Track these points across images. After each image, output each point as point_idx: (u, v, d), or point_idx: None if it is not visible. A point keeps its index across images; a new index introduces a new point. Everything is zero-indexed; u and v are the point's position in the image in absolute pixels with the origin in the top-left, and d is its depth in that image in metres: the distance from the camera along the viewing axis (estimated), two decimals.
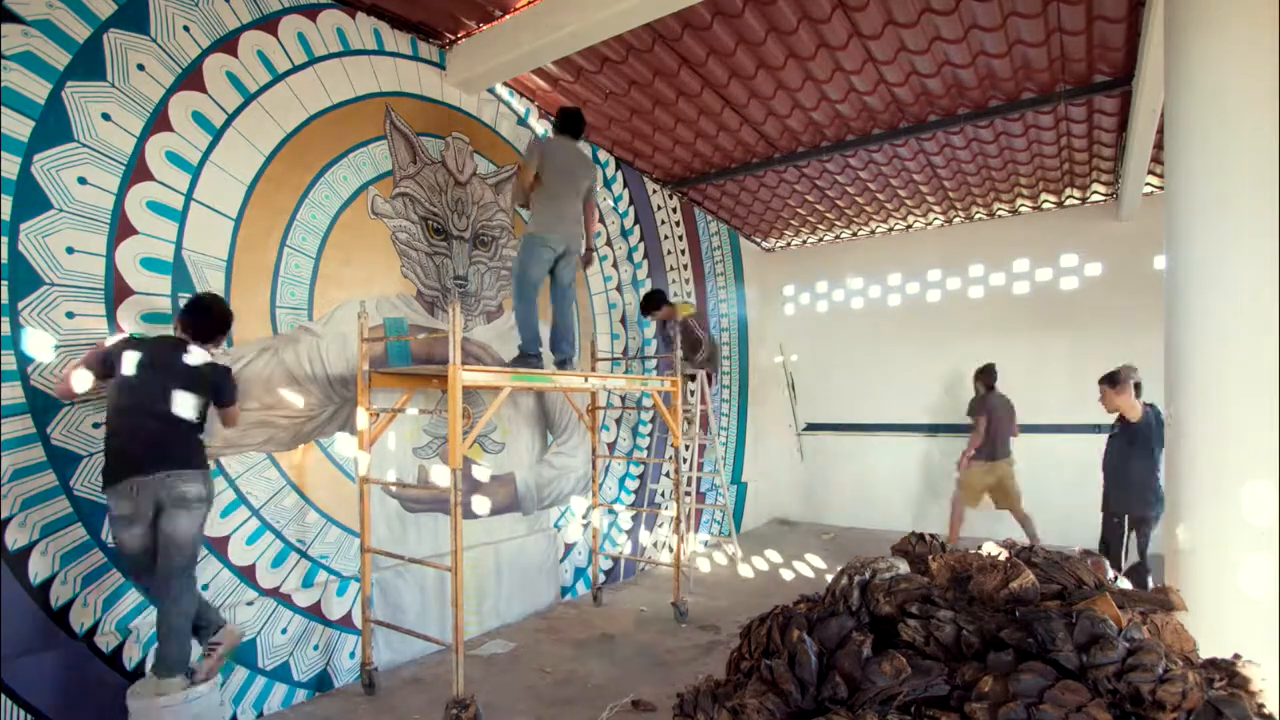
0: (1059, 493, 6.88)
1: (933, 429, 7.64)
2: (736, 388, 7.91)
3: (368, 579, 3.46)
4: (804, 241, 8.45)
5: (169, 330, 2.86)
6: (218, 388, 2.74)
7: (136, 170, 2.83)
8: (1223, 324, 2.62)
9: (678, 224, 6.84)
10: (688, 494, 6.04)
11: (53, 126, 2.59)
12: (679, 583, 4.55)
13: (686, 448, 5.75)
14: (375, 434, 3.52)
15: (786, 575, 5.79)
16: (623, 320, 5.90)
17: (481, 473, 4.40)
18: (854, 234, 8.04)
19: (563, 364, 4.09)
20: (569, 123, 4.10)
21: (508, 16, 3.93)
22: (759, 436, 8.41)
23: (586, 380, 4.12)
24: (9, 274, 2.48)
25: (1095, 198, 6.73)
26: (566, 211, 3.94)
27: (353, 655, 3.55)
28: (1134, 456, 4.15)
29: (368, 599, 3.45)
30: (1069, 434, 6.85)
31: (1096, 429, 6.69)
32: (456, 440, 2.96)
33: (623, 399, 5.79)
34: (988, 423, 5.81)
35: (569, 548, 5.11)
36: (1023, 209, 7.10)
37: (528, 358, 3.85)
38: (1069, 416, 6.86)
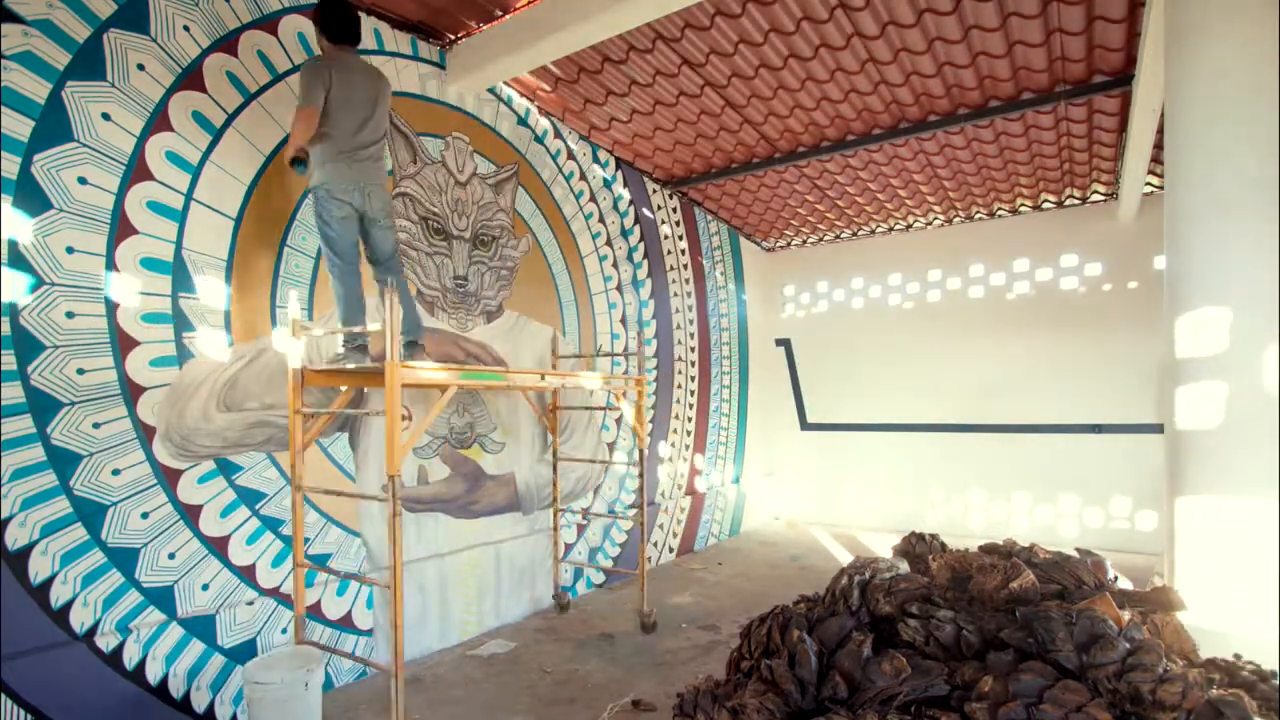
0: (1056, 492, 6.89)
1: (933, 429, 7.64)
2: (737, 388, 7.91)
3: (300, 598, 3.20)
4: (804, 241, 8.45)
5: (169, 329, 2.88)
6: None
7: (136, 170, 2.83)
8: (1223, 324, 2.62)
9: (678, 224, 6.84)
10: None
11: (53, 126, 2.59)
12: (645, 593, 4.31)
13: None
14: (309, 438, 3.21)
15: (787, 572, 5.79)
16: (623, 320, 5.90)
17: (495, 460, 4.41)
18: (854, 234, 8.04)
19: (410, 348, 3.30)
20: (340, 25, 3.04)
21: (508, 16, 3.93)
22: (759, 436, 8.42)
23: (544, 378, 3.78)
24: (9, 275, 2.47)
25: (1095, 198, 6.74)
26: (358, 149, 3.04)
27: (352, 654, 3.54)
28: None
29: (300, 619, 3.19)
30: (1068, 434, 6.86)
31: (1096, 429, 6.72)
32: (396, 444, 2.69)
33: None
34: None
35: (569, 547, 5.11)
36: (1023, 209, 7.10)
37: (350, 350, 3.15)
38: (1068, 416, 6.87)
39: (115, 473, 2.73)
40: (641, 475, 4.38)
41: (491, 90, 4.58)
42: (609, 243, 5.78)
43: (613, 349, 5.74)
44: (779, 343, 8.75)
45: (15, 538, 2.47)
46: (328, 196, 3.00)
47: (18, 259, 2.50)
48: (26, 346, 2.51)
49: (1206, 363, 2.66)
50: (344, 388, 3.42)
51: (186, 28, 3.00)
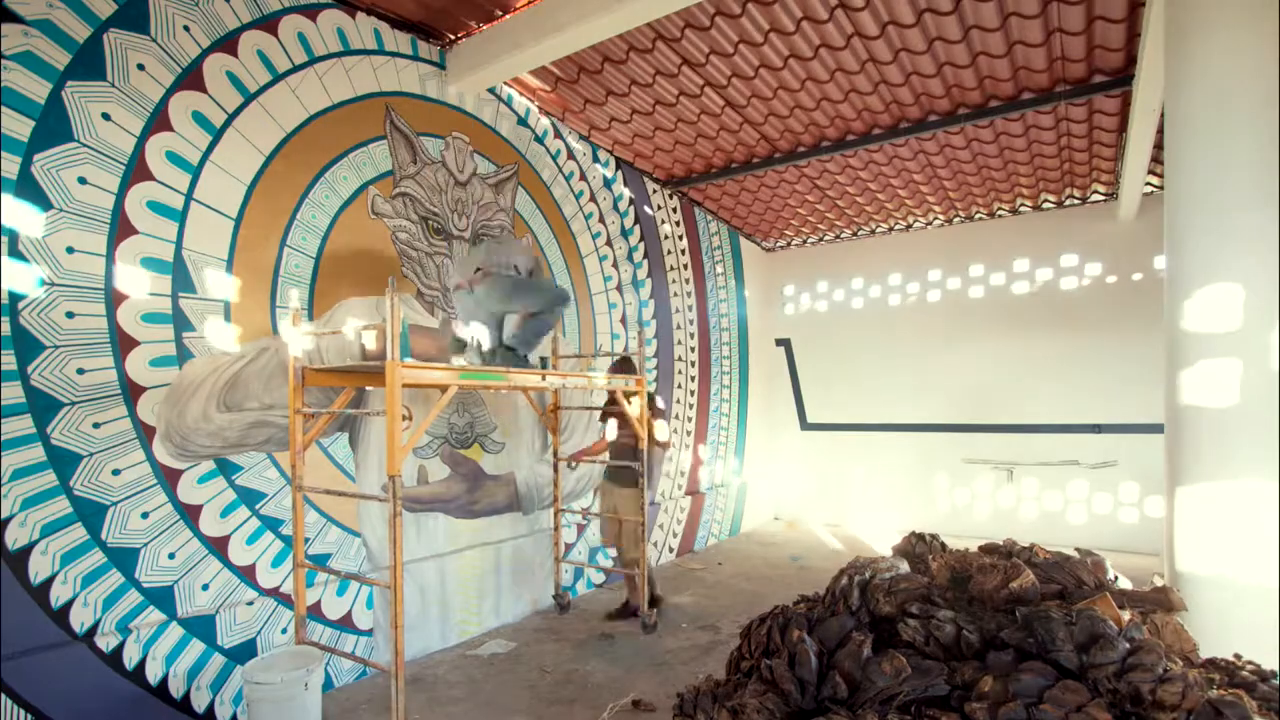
0: (1056, 490, 6.89)
1: (933, 429, 7.64)
2: (736, 388, 7.91)
3: (301, 598, 3.18)
4: (804, 241, 8.45)
5: (169, 329, 2.89)
6: None
7: (136, 170, 2.83)
8: (1223, 324, 2.62)
9: (678, 224, 6.84)
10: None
11: (53, 126, 2.59)
12: (644, 594, 4.30)
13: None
14: (309, 438, 3.20)
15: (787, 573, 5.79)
16: (623, 320, 5.90)
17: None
18: (854, 234, 8.04)
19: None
20: None
21: (508, 16, 3.93)
22: (759, 436, 8.42)
23: (545, 379, 3.75)
24: (8, 274, 2.47)
25: (1095, 198, 6.74)
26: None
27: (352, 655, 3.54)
28: None
29: (301, 619, 3.18)
30: (1067, 434, 6.86)
31: (1096, 429, 6.72)
32: (396, 444, 2.69)
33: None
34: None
35: (569, 547, 5.11)
36: (1023, 209, 7.10)
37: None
38: (1068, 416, 6.88)
39: (115, 473, 2.73)
40: (643, 475, 4.36)
41: (491, 90, 4.58)
42: (609, 243, 5.78)
43: (613, 349, 5.74)
44: (779, 343, 8.76)
45: (15, 538, 2.47)
46: None
47: (18, 258, 2.50)
48: (26, 346, 2.51)
49: (1210, 349, 2.66)
50: (344, 388, 3.41)
51: (186, 28, 3.00)
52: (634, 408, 4.35)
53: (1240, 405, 2.57)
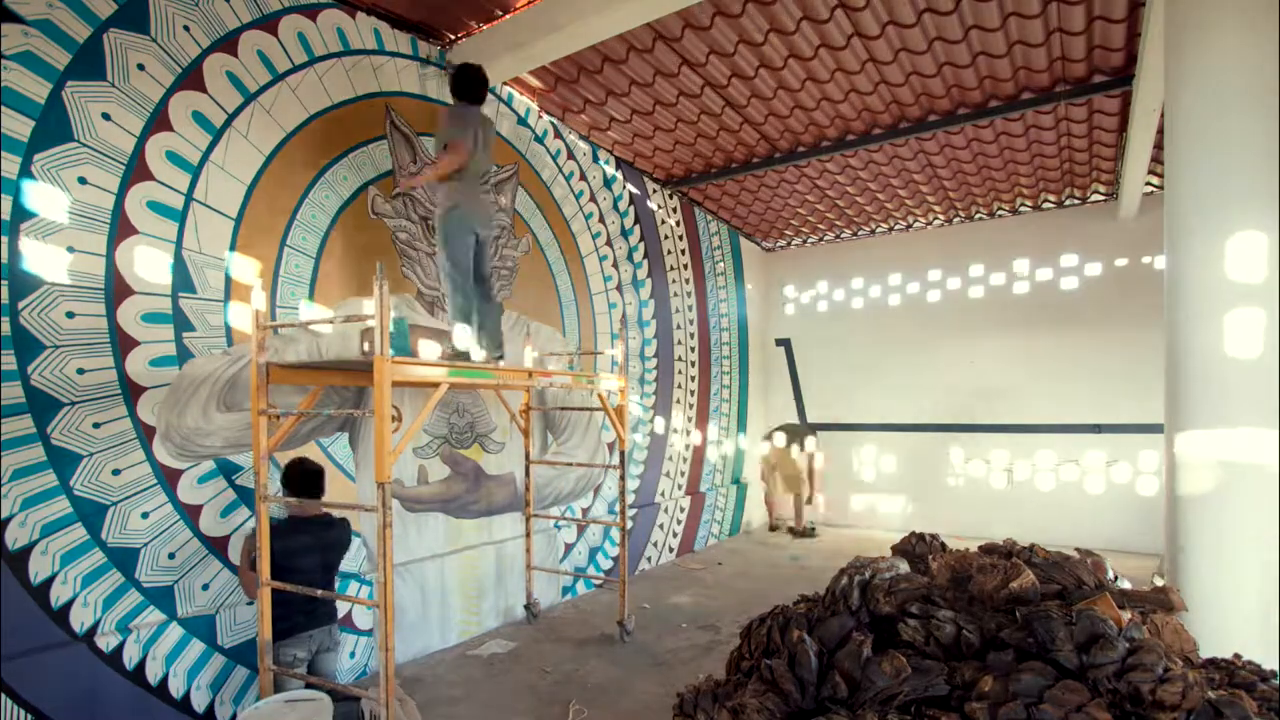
0: (1055, 489, 6.89)
1: (933, 428, 7.63)
2: (736, 387, 7.91)
3: (266, 620, 2.69)
4: (804, 241, 8.45)
5: (169, 329, 2.89)
6: None
7: (136, 170, 2.83)
8: (1223, 324, 2.62)
9: (678, 224, 6.84)
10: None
11: (53, 126, 2.59)
12: (624, 601, 4.17)
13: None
14: (274, 441, 2.77)
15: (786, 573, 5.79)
16: (623, 320, 5.90)
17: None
18: (854, 234, 8.04)
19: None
20: (473, 85, 3.48)
21: (508, 16, 3.93)
22: (759, 436, 8.41)
23: (531, 377, 3.69)
24: (9, 274, 2.48)
25: (1095, 198, 6.74)
26: (480, 188, 3.54)
27: (353, 655, 3.55)
28: None
29: (266, 643, 2.69)
30: (1066, 433, 6.86)
31: (1096, 429, 6.72)
32: (386, 448, 2.37)
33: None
34: None
35: (569, 547, 5.11)
36: (1023, 209, 7.10)
37: (457, 354, 3.32)
38: (1068, 416, 6.87)
39: (115, 473, 2.73)
40: (623, 477, 4.27)
41: (491, 90, 4.57)
42: (609, 243, 5.78)
43: (612, 348, 5.74)
44: (779, 343, 8.76)
45: (15, 538, 2.46)
46: (464, 223, 3.33)
47: (18, 259, 2.50)
48: (26, 346, 2.51)
49: (1207, 361, 2.66)
50: (311, 386, 3.08)
51: (186, 28, 3.00)
52: (608, 387, 4.17)
53: (1238, 410, 2.58)
